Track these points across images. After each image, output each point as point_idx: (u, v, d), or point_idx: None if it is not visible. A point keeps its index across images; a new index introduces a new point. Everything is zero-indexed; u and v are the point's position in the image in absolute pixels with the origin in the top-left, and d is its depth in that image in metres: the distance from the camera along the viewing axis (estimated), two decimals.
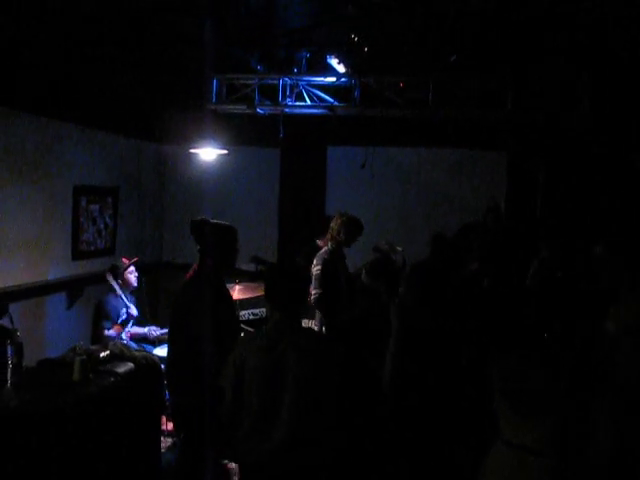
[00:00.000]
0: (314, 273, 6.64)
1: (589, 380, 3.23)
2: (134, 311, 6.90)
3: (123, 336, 6.65)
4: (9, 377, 4.20)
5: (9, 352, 4.23)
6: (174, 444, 6.29)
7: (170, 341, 5.05)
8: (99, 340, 6.18)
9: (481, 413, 3.52)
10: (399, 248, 7.44)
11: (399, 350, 3.69)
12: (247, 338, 3.92)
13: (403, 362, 3.68)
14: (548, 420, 3.22)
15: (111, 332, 6.61)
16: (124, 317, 6.78)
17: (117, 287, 6.79)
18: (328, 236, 6.83)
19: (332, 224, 6.78)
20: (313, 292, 6.59)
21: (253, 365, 3.69)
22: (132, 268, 6.95)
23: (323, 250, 6.82)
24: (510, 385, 3.33)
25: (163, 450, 6.01)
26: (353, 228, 6.77)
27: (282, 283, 3.89)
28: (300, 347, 3.70)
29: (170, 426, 6.35)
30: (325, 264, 6.63)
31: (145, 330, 6.95)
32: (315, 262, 6.70)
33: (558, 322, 3.41)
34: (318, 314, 6.70)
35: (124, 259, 7.01)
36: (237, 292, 7.09)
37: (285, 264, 4.04)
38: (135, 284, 7.02)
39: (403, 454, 3.76)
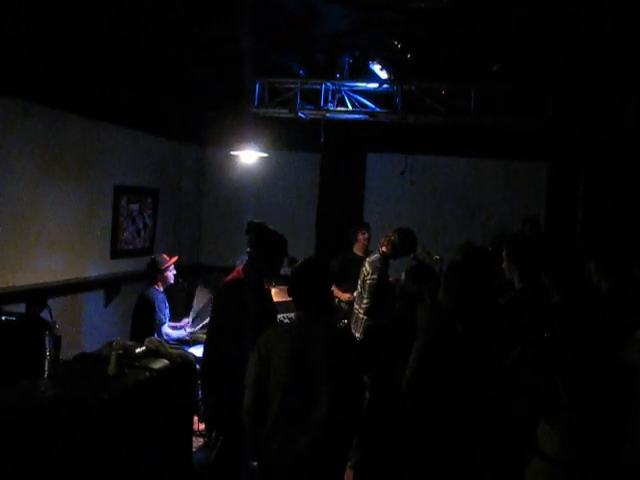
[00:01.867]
0: (368, 282, 6.57)
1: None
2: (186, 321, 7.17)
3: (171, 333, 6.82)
4: (46, 368, 4.26)
5: (47, 344, 4.29)
6: (205, 444, 6.31)
7: (207, 341, 5.08)
8: (146, 333, 6.23)
9: (501, 412, 3.51)
10: (437, 256, 7.40)
11: (425, 349, 3.70)
12: (272, 332, 3.93)
13: (428, 361, 3.69)
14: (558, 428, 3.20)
15: (169, 332, 6.76)
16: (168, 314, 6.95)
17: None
18: (383, 245, 6.75)
19: (393, 237, 6.69)
20: (364, 302, 6.56)
21: (278, 360, 3.71)
22: (172, 266, 7.04)
23: (375, 258, 6.74)
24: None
25: (194, 449, 6.03)
26: (410, 245, 6.71)
27: (305, 282, 3.91)
28: (325, 340, 3.74)
29: (202, 426, 6.38)
30: (381, 275, 6.56)
31: (180, 332, 7.02)
32: (370, 270, 6.62)
33: (558, 322, 3.39)
34: (361, 320, 6.64)
35: (165, 255, 7.08)
36: (274, 295, 7.08)
37: (308, 264, 4.04)
38: (172, 281, 7.09)
39: (423, 452, 3.76)
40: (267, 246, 4.95)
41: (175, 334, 6.92)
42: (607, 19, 5.75)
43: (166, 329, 6.79)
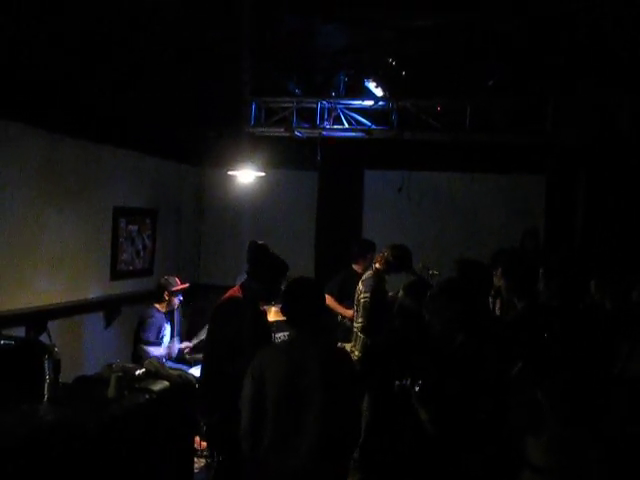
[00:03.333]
0: (361, 301, 6.55)
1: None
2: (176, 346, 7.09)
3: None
4: (46, 392, 4.26)
5: (47, 367, 4.29)
6: (207, 465, 6.28)
7: (204, 360, 5.08)
8: (139, 356, 6.23)
9: (496, 424, 3.50)
10: (435, 272, 7.40)
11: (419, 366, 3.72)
12: (265, 352, 3.94)
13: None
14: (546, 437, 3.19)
15: (152, 350, 6.70)
16: (164, 334, 6.89)
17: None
18: (377, 262, 6.76)
19: (386, 253, 6.71)
20: (359, 321, 6.55)
21: (272, 380, 3.71)
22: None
23: (368, 275, 6.74)
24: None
25: (196, 470, 6.01)
26: (403, 260, 6.71)
27: (296, 300, 3.92)
28: (318, 358, 3.74)
29: (204, 446, 6.35)
30: (374, 293, 6.54)
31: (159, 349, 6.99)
32: (363, 289, 6.61)
33: (558, 323, 3.38)
34: (359, 338, 6.62)
35: (177, 279, 7.09)
36: (273, 314, 7.07)
37: (299, 282, 4.06)
38: (175, 307, 7.11)
39: (417, 464, 3.77)
40: (265, 267, 4.99)
41: (154, 352, 6.70)
42: (607, 19, 5.78)
43: (147, 347, 6.69)
